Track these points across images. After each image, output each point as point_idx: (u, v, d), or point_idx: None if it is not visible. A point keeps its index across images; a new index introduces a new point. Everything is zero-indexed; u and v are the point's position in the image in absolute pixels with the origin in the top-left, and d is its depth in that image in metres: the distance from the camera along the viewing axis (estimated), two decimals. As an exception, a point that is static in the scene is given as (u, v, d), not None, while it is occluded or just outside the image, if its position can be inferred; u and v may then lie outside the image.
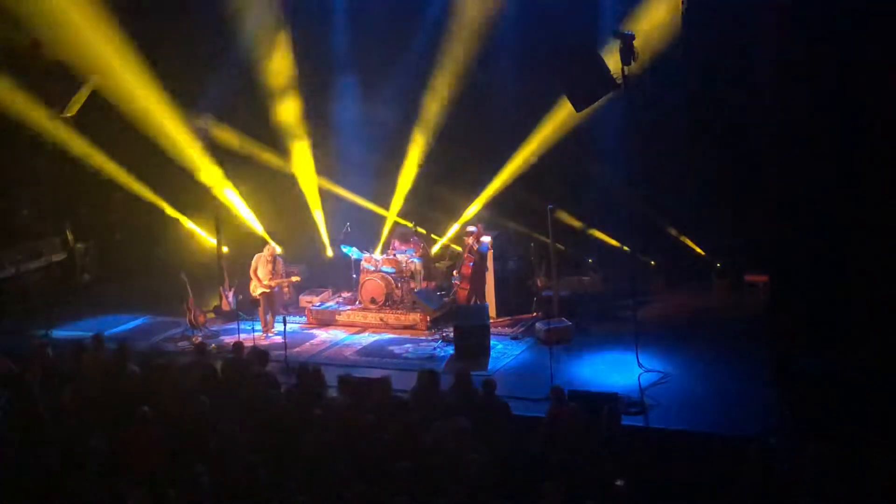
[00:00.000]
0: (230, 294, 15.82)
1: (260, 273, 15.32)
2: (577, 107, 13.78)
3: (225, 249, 16.78)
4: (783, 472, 8.72)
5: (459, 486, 8.38)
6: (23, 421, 10.71)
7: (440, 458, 9.10)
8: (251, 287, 15.41)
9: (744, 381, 12.18)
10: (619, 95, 13.20)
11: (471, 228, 15.85)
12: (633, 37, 12.70)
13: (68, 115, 16.36)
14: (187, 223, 18.56)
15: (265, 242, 16.28)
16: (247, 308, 15.55)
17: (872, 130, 11.29)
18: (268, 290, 15.29)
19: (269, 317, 15.30)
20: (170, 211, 18.46)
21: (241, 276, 15.77)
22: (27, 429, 10.52)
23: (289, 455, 9.69)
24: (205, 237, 18.34)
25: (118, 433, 10.05)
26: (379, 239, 17.34)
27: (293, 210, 18.60)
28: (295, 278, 15.98)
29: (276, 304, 15.62)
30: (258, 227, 18.07)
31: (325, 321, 15.83)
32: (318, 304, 16.30)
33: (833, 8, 11.28)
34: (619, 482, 9.05)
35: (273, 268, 15.36)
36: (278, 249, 16.03)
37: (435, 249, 17.19)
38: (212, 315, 16.00)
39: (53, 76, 16.21)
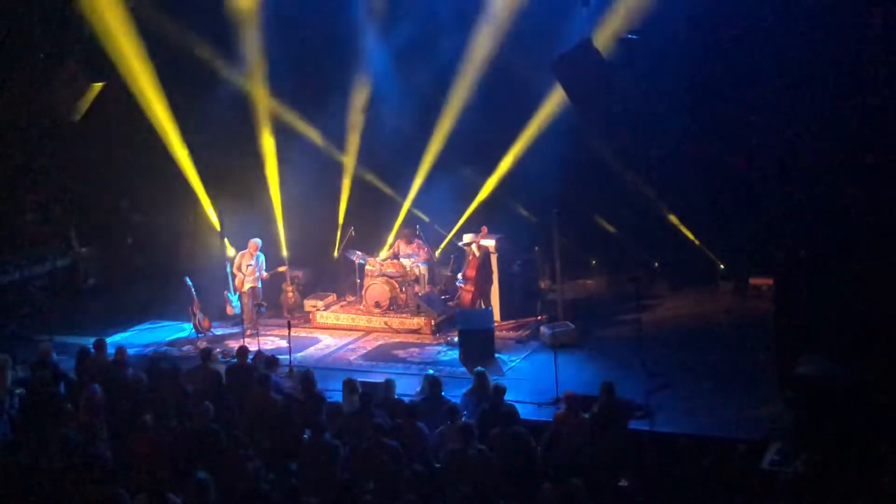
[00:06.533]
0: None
1: (244, 269, 15.49)
2: (577, 105, 13.82)
3: (230, 253, 16.72)
4: (786, 477, 8.72)
5: (464, 489, 8.38)
6: (28, 425, 10.73)
7: (446, 460, 9.10)
8: (236, 282, 15.61)
9: (748, 385, 12.16)
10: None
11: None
12: (637, 40, 12.70)
13: (75, 118, 16.36)
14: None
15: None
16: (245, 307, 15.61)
17: (876, 132, 11.25)
18: (254, 285, 15.50)
19: (252, 311, 15.45)
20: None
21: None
22: (33, 433, 10.54)
23: (294, 460, 9.70)
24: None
25: (122, 439, 10.06)
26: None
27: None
28: (282, 268, 16.14)
29: (259, 297, 15.65)
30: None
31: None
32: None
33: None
34: (623, 482, 9.08)
35: (255, 262, 15.55)
36: (260, 244, 15.89)
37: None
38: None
39: (60, 80, 16.21)
